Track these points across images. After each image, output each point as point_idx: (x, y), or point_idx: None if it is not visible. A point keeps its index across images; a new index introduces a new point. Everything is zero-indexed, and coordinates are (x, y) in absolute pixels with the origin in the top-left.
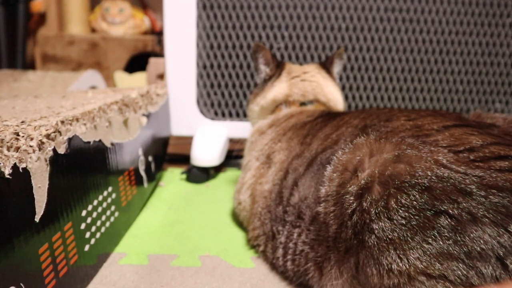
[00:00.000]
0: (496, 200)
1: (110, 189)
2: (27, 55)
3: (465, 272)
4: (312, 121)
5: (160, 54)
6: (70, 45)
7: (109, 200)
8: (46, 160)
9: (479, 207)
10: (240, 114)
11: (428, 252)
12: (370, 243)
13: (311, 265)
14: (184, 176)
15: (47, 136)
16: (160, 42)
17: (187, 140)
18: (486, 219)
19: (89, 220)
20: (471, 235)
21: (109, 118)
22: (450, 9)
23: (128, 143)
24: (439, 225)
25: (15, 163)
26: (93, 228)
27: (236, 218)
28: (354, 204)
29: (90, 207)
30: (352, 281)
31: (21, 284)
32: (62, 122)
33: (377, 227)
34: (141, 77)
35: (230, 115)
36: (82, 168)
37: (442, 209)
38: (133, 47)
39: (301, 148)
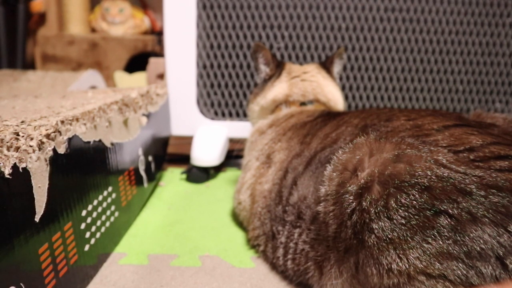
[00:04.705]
0: (495, 200)
1: (110, 189)
2: (27, 55)
3: (464, 272)
4: (312, 121)
5: (160, 54)
6: (70, 45)
7: (109, 200)
8: (46, 160)
9: (479, 207)
10: (240, 114)
11: (427, 252)
12: (369, 243)
13: (311, 264)
14: (184, 176)
15: (47, 136)
16: (160, 42)
17: (187, 140)
18: (486, 219)
19: (89, 220)
20: (471, 234)
21: (109, 118)
22: (450, 9)
23: (128, 143)
24: (438, 224)
25: (15, 163)
26: (93, 228)
27: (236, 218)
28: (354, 203)
29: (90, 207)
30: (351, 280)
31: (21, 284)
32: (62, 122)
33: (376, 226)
34: (141, 77)
35: (230, 115)
36: (82, 168)
37: (442, 208)
38: (133, 47)
39: (301, 148)
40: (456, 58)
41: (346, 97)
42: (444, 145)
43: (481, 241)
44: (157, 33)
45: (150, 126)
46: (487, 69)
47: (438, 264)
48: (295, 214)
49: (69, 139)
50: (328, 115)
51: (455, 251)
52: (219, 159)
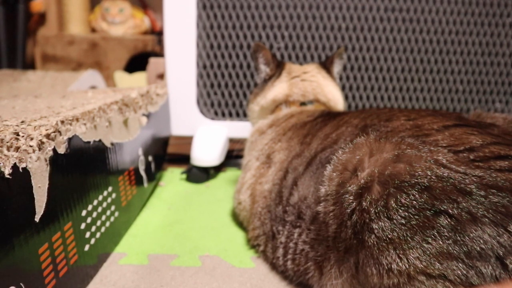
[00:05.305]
0: (495, 200)
1: (110, 189)
2: (27, 55)
3: (464, 272)
4: (312, 121)
5: (160, 54)
6: (70, 45)
7: (109, 200)
8: (46, 160)
9: (479, 207)
10: (240, 114)
11: (427, 252)
12: (369, 243)
13: (311, 264)
14: (184, 176)
15: (47, 136)
16: (160, 42)
17: (187, 140)
18: (486, 219)
19: (89, 220)
20: (471, 234)
21: (109, 118)
22: (450, 9)
23: (128, 143)
24: (438, 224)
25: (15, 163)
26: (93, 228)
27: (236, 218)
28: (354, 203)
29: (90, 207)
30: (351, 280)
31: (21, 284)
32: (62, 122)
33: (376, 226)
34: (141, 77)
35: (230, 115)
36: (82, 168)
37: (442, 208)
38: (133, 47)
39: (301, 148)
40: (456, 58)
41: (346, 97)
42: (444, 145)
43: (481, 241)
44: (157, 33)
45: (150, 126)
46: (487, 69)
47: (438, 264)
48: (295, 214)
49: (69, 139)
50: (328, 115)
51: (455, 251)
52: (219, 159)
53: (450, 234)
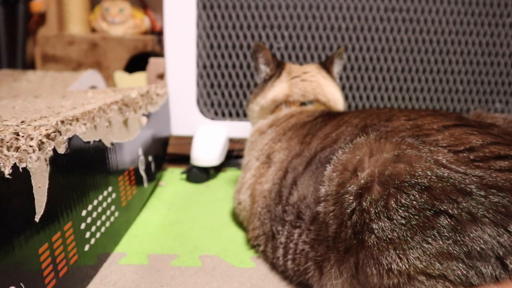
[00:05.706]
0: (496, 200)
1: (110, 189)
2: (27, 55)
3: (465, 272)
4: (312, 121)
5: (160, 54)
6: (70, 45)
7: (109, 200)
8: (46, 160)
9: (479, 207)
10: (240, 114)
11: (428, 252)
12: (369, 243)
13: (311, 264)
14: (184, 176)
15: (47, 136)
16: (160, 42)
17: (187, 140)
18: (486, 219)
19: (89, 220)
20: (471, 235)
21: (109, 118)
22: (450, 9)
23: (128, 143)
24: (438, 225)
25: (15, 163)
26: (93, 228)
27: (236, 218)
28: (354, 203)
29: (90, 207)
30: (351, 280)
31: (21, 284)
32: (62, 122)
33: (376, 226)
34: (141, 77)
35: (230, 115)
36: (82, 168)
37: (442, 209)
38: (133, 47)
39: (301, 148)
40: (456, 58)
41: (346, 97)
42: (444, 145)
43: (481, 241)
44: (157, 33)
45: (150, 126)
46: (487, 69)
47: (438, 264)
48: (295, 214)
49: (69, 139)
50: (328, 115)
51: (455, 251)
52: (219, 159)
53: (450, 234)
